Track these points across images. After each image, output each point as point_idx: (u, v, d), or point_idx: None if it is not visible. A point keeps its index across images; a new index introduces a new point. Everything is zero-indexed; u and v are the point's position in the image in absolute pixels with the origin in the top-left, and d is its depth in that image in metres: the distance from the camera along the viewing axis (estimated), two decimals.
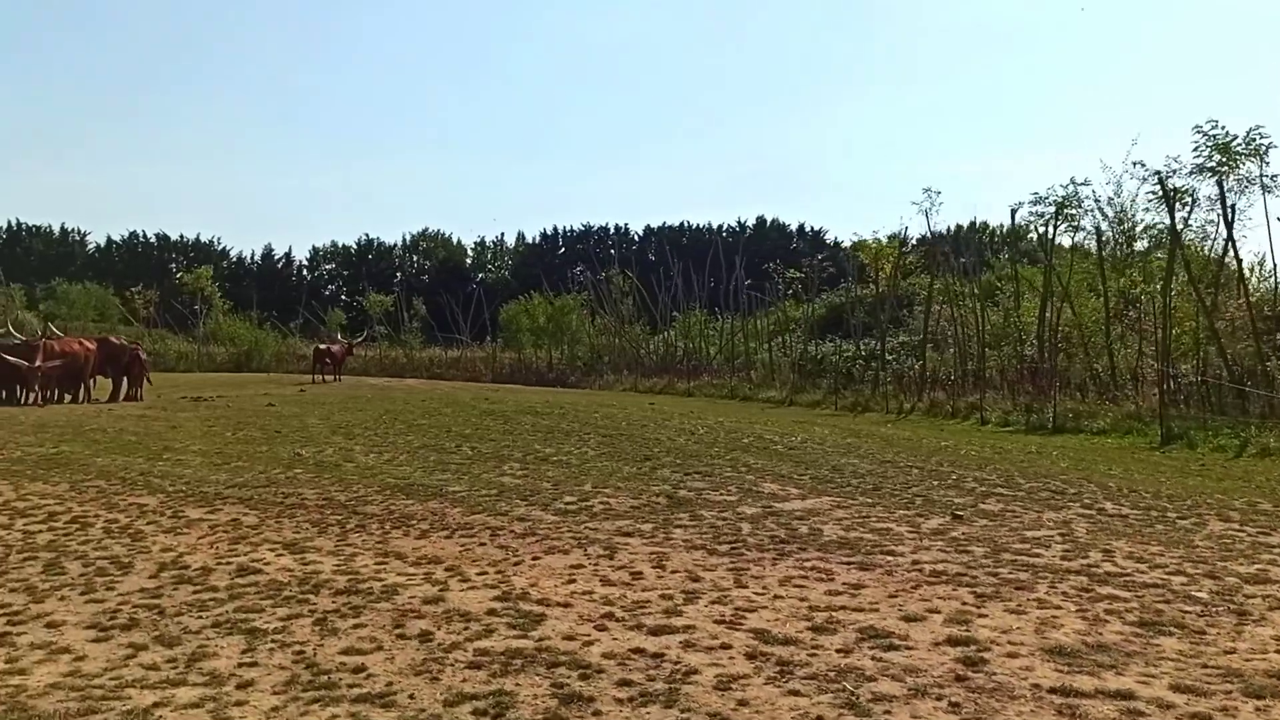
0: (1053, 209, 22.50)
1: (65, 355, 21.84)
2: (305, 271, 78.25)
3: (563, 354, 40.58)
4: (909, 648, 4.84)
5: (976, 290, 27.65)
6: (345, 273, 78.97)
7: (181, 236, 75.35)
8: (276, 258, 77.61)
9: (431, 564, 6.84)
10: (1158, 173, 18.79)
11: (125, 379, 23.26)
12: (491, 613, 5.64)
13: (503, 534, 7.83)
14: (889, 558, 6.81)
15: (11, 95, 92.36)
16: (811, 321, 33.39)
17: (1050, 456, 12.72)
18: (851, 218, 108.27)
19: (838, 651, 4.81)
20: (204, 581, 6.51)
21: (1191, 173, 18.92)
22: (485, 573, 6.55)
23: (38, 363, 21.10)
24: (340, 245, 78.11)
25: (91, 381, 22.90)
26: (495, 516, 8.50)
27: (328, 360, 34.03)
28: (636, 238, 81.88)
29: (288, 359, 45.12)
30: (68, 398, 22.34)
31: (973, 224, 76.19)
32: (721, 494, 9.46)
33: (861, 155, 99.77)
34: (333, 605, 5.88)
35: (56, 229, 71.93)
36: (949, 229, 70.90)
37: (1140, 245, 24.17)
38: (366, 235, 78.64)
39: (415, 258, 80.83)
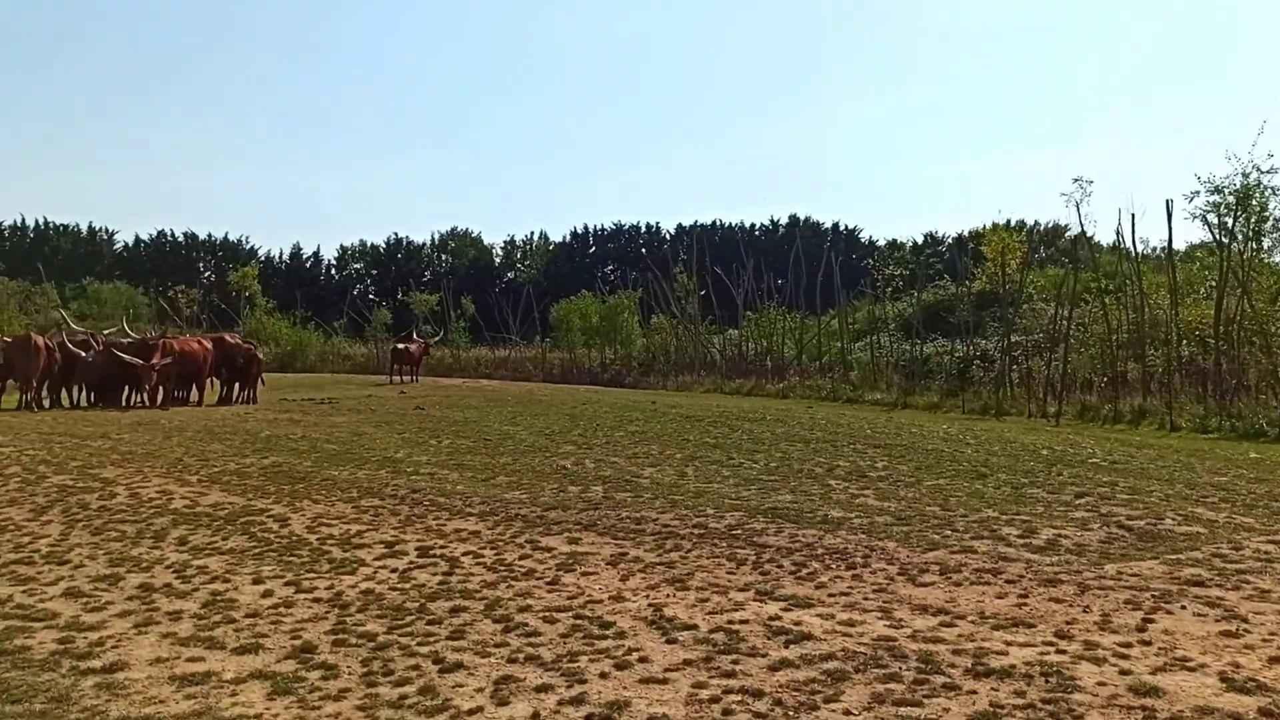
0: (1233, 199, 21.13)
1: (184, 354, 20.26)
2: (334, 271, 76.58)
3: (616, 353, 39.07)
4: None
5: (1110, 285, 26.34)
6: (374, 272, 77.34)
7: (210, 235, 73.54)
8: (305, 257, 75.86)
9: (1019, 627, 5.34)
10: None
11: (240, 381, 21.68)
12: (1268, 714, 4.15)
13: (1012, 578, 6.34)
14: None
15: (37, 95, 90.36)
16: (918, 319, 31.76)
17: None
18: (858, 217, 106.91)
19: None
20: (758, 654, 4.99)
21: None
22: (1128, 644, 5.04)
23: (154, 361, 19.54)
24: (369, 244, 76.36)
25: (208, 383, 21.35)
26: (961, 555, 7.00)
27: (406, 360, 32.48)
28: (668, 236, 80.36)
29: (332, 359, 43.46)
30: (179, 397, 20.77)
31: (1007, 222, 75.14)
32: (1176, 524, 7.98)
33: (861, 155, 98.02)
34: (1008, 698, 4.37)
35: (84, 228, 69.99)
36: (985, 226, 69.75)
37: None
38: (395, 234, 76.85)
39: (445, 256, 79.14)
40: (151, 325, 24.25)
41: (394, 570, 6.78)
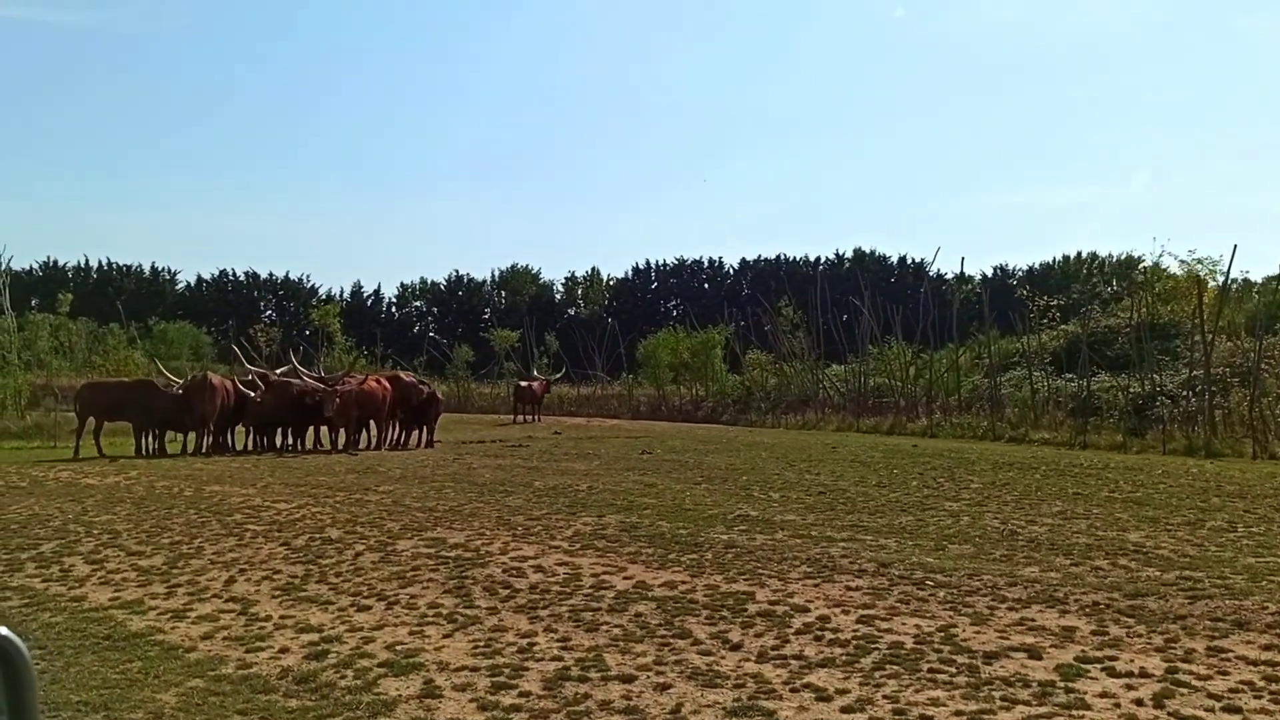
0: None
1: (363, 394, 18.36)
2: (394, 309, 75.33)
3: (708, 390, 37.13)
4: None
5: None
6: (435, 309, 76.02)
7: (270, 275, 72.27)
8: (365, 295, 74.51)
9: None
10: None
11: (418, 421, 19.76)
12: None
13: None
14: None
15: (95, 138, 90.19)
16: (1083, 351, 29.37)
17: None
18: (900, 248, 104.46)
19: None
20: None
21: None
22: None
23: (336, 403, 17.65)
24: (430, 281, 75.04)
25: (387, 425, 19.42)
26: None
27: (529, 398, 30.72)
28: (731, 270, 78.69)
29: None
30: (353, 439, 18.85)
31: (1078, 255, 72.56)
32: None
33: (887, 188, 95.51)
34: None
35: (147, 268, 68.98)
36: (1056, 260, 67.30)
37: None
38: (456, 271, 75.65)
39: (503, 293, 77.67)
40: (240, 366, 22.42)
41: (1101, 695, 4.72)
